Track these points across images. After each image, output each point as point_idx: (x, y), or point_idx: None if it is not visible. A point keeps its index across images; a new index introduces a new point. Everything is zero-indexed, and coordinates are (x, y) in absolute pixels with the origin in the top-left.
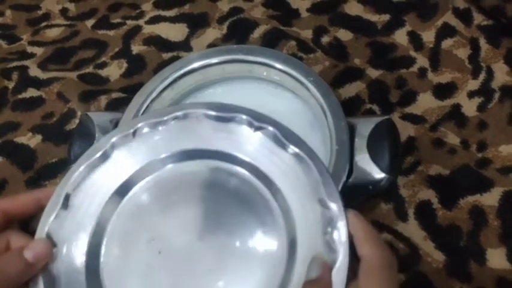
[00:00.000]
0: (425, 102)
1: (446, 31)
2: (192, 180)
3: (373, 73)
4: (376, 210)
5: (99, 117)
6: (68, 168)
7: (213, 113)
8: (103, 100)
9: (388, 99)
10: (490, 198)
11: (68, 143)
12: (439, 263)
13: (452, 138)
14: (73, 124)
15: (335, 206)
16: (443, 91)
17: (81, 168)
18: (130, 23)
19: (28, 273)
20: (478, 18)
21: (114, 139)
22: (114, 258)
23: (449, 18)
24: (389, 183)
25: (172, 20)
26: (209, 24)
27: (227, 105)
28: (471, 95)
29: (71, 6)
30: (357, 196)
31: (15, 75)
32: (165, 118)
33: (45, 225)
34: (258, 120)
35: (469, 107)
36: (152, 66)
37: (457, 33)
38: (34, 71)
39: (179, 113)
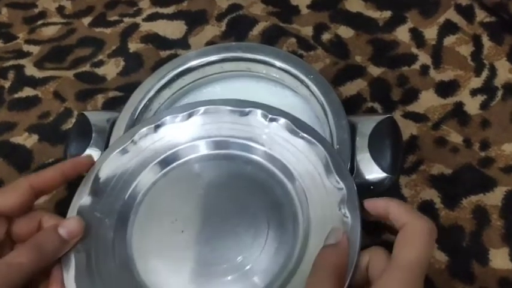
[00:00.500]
0: (428, 100)
1: (448, 28)
2: (212, 168)
3: (375, 71)
4: None
5: (95, 116)
6: None
7: (230, 108)
8: (100, 99)
9: (389, 97)
10: (493, 198)
11: (64, 142)
12: (442, 263)
13: (455, 137)
14: (69, 124)
15: (345, 183)
16: (445, 89)
17: (112, 154)
18: (128, 20)
19: (62, 249)
20: (481, 15)
21: (140, 130)
22: (140, 236)
23: (452, 14)
24: (391, 183)
25: (170, 17)
26: (207, 21)
27: (243, 100)
28: (474, 92)
29: (68, 4)
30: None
31: (11, 74)
32: (187, 113)
33: (76, 204)
34: (272, 112)
35: (472, 105)
36: (150, 64)
37: (460, 30)
38: (30, 70)
39: (200, 109)
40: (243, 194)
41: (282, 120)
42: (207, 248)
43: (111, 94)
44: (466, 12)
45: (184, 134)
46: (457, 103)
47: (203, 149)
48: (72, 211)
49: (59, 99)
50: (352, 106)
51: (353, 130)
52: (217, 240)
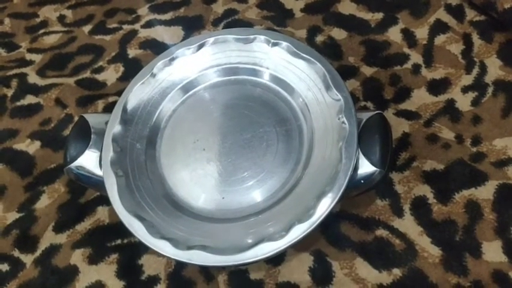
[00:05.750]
0: (420, 98)
1: (439, 27)
2: (224, 93)
3: (368, 71)
4: (372, 207)
5: (94, 118)
6: (64, 170)
7: (236, 36)
8: (100, 104)
9: (382, 96)
10: (485, 192)
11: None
12: (435, 257)
13: (447, 133)
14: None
15: (342, 95)
16: (437, 87)
17: (135, 87)
18: (127, 27)
19: None
20: (471, 14)
21: (157, 64)
22: (168, 156)
23: (442, 14)
24: (380, 176)
25: (168, 23)
26: (204, 26)
27: (247, 29)
28: (465, 89)
29: (68, 13)
30: (349, 190)
31: (14, 83)
32: (197, 44)
33: (110, 133)
34: (274, 37)
35: (463, 102)
36: None
37: (450, 29)
38: (33, 78)
39: (209, 40)
40: (254, 112)
41: (284, 44)
42: (227, 161)
43: (111, 99)
44: (456, 12)
45: (196, 64)
46: (449, 100)
47: (214, 76)
48: (108, 138)
49: (60, 106)
50: None
51: None
52: (235, 154)
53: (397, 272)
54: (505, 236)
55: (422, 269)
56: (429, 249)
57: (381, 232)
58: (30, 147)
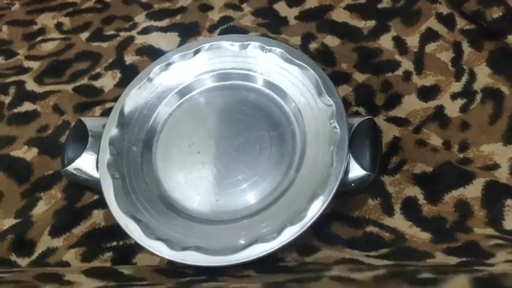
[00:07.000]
0: (410, 105)
1: (429, 35)
2: (219, 97)
3: (360, 77)
4: (364, 207)
5: (91, 122)
6: (62, 172)
7: (231, 42)
8: (97, 111)
9: (373, 102)
10: (473, 190)
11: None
12: (425, 239)
13: (435, 140)
14: None
15: (334, 100)
16: (427, 93)
17: (132, 91)
18: (124, 34)
19: None
20: (461, 23)
21: (154, 69)
22: (163, 160)
23: (433, 23)
24: (370, 180)
25: (164, 29)
26: (200, 32)
27: (242, 36)
28: (454, 96)
29: (66, 21)
30: (340, 193)
31: (12, 90)
32: (193, 50)
33: (107, 136)
34: (268, 44)
35: (452, 108)
36: None
37: (440, 37)
38: (30, 85)
39: (205, 45)
40: (248, 117)
41: (278, 50)
42: (221, 164)
43: (108, 105)
44: (447, 21)
45: (192, 69)
46: (438, 106)
47: (210, 81)
48: (105, 141)
49: (57, 113)
50: None
51: None
52: (230, 157)
53: (384, 250)
54: (496, 226)
55: (411, 246)
56: (419, 235)
57: (371, 229)
58: (28, 154)
